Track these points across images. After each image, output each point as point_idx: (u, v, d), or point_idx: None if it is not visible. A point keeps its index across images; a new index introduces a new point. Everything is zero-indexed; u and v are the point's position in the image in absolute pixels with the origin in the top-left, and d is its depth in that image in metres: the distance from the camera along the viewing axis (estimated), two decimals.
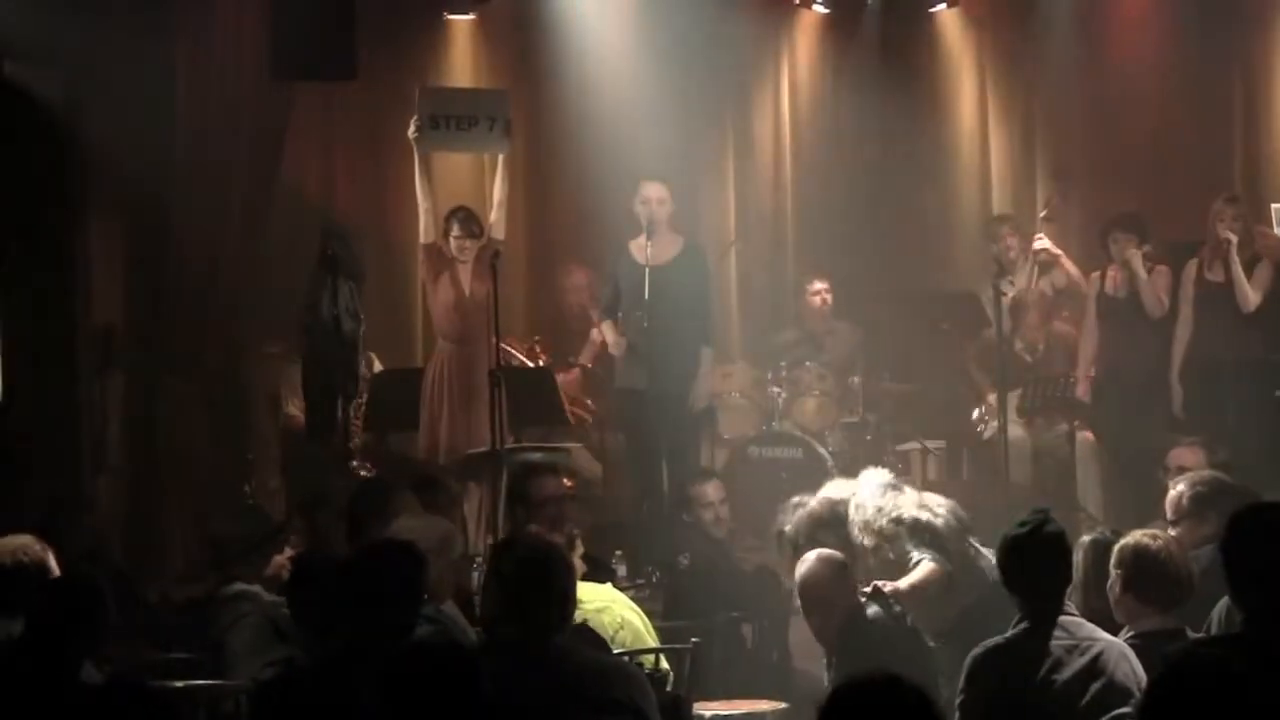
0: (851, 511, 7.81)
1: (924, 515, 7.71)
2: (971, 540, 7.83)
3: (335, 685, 5.43)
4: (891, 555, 7.70)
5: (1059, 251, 12.30)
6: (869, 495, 7.84)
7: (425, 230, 11.02)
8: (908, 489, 8.01)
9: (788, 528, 7.94)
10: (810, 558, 7.41)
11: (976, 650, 5.88)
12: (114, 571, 8.76)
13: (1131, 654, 5.80)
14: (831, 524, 7.83)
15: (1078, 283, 12.04)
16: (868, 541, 7.73)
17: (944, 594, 7.62)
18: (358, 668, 5.38)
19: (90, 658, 6.02)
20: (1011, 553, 5.90)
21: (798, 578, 7.37)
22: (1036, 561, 5.85)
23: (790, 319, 13.05)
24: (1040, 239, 12.35)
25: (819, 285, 12.81)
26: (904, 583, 7.48)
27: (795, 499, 8.05)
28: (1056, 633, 5.77)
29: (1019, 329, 11.96)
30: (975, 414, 12.13)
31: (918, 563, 7.58)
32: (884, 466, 11.21)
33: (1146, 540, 6.22)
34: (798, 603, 7.58)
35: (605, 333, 11.21)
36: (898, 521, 7.71)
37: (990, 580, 7.62)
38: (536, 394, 11.27)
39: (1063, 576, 5.93)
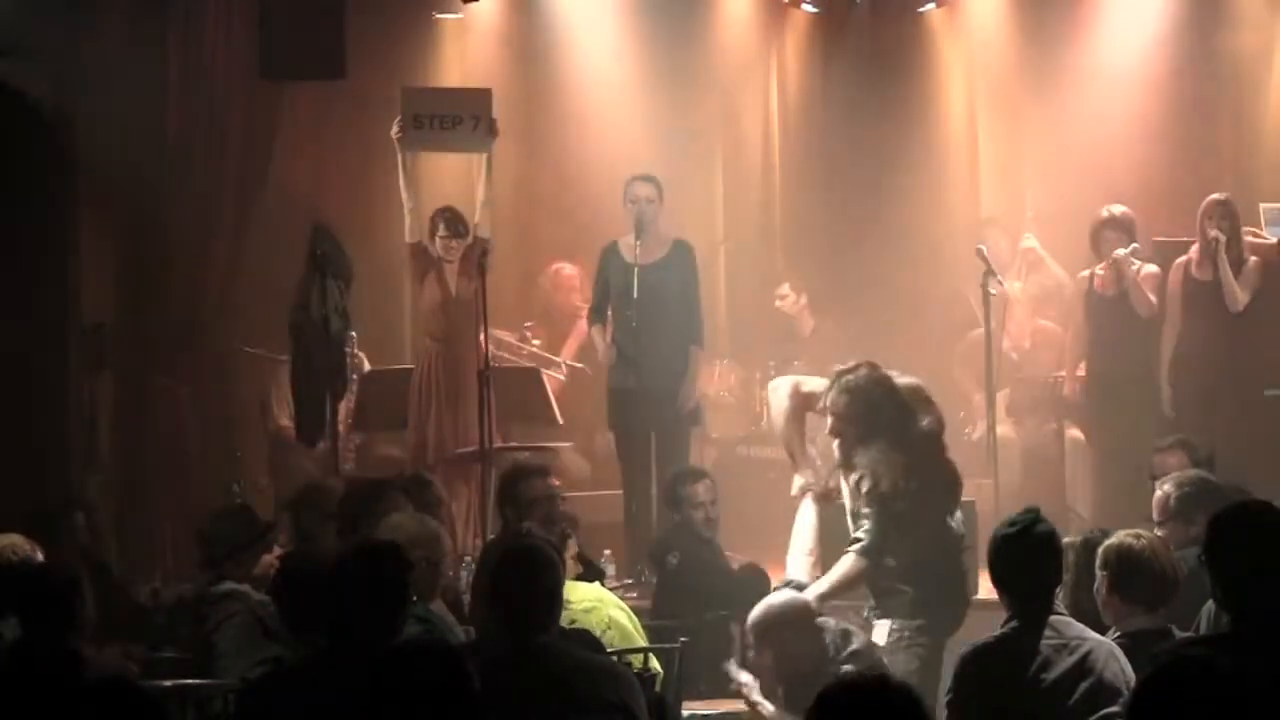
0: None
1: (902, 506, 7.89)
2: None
3: (322, 684, 5.42)
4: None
5: (1044, 253, 12.32)
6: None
7: (410, 230, 11.03)
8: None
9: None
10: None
11: (966, 649, 5.89)
12: (104, 570, 8.78)
13: (1120, 653, 5.81)
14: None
15: (1064, 283, 12.07)
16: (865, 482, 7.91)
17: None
18: (344, 667, 5.38)
19: (67, 646, 6.01)
20: (1001, 552, 5.90)
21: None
22: (1026, 561, 5.85)
23: (773, 321, 13.04)
24: (1028, 239, 12.36)
25: (783, 290, 12.83)
26: (824, 585, 7.77)
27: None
28: (1046, 632, 5.78)
29: (1005, 327, 11.98)
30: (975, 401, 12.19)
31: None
32: None
33: (1130, 540, 6.24)
34: None
35: (594, 338, 11.21)
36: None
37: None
38: (525, 394, 11.28)
39: (1053, 576, 5.93)
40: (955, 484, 8.15)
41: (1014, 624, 5.83)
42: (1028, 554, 5.85)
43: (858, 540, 7.87)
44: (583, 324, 11.82)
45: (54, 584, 6.09)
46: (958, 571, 8.03)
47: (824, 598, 7.71)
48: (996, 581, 5.95)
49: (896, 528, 7.84)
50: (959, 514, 8.18)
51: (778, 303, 12.83)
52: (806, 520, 8.20)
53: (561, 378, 12.11)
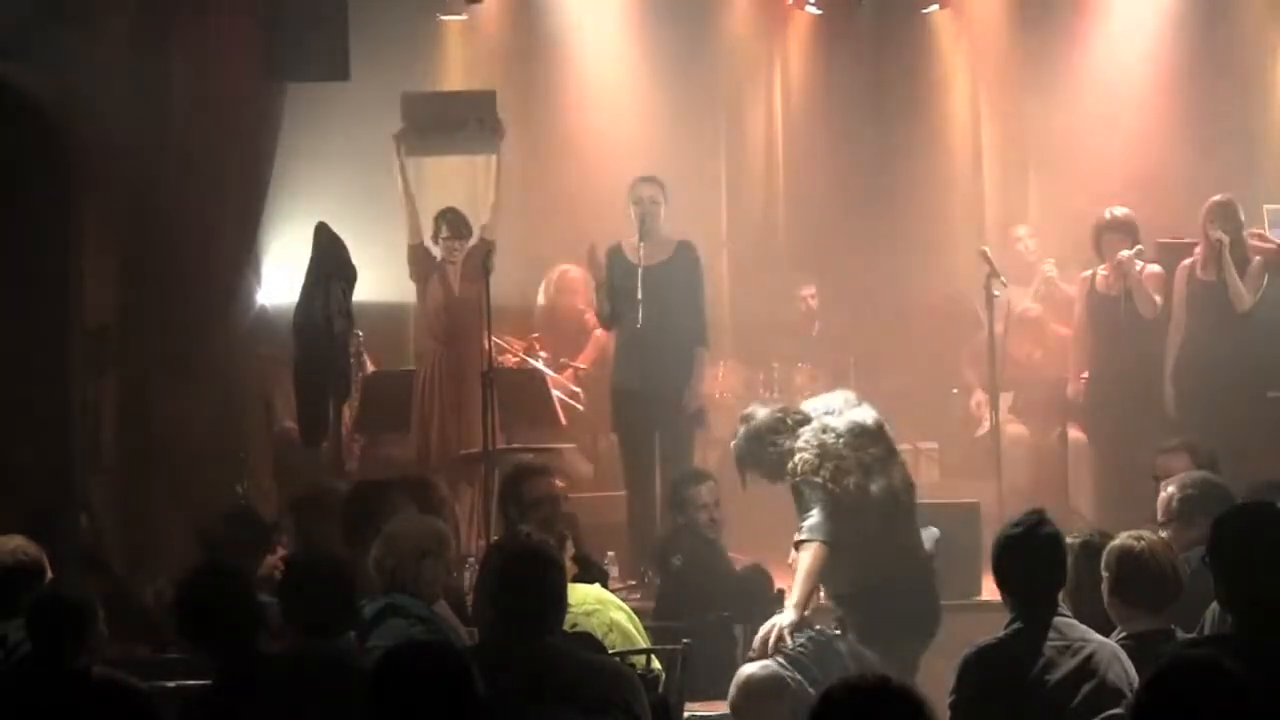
0: (807, 434, 7.84)
1: (854, 480, 7.74)
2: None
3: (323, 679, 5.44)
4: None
5: (1062, 284, 12.25)
6: (830, 433, 7.87)
7: (411, 232, 11.04)
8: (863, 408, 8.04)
9: (733, 442, 8.14)
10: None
11: (969, 650, 5.89)
12: (107, 571, 8.78)
13: (1124, 655, 5.81)
14: (765, 436, 7.93)
15: (1064, 300, 12.03)
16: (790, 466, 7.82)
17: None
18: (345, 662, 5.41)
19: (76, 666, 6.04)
20: (1005, 553, 5.90)
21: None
22: (1030, 562, 5.86)
23: (781, 324, 13.05)
24: (1049, 268, 12.30)
25: (805, 291, 12.82)
26: (795, 593, 7.56)
27: (747, 410, 8.17)
28: (1049, 634, 5.78)
29: (1019, 337, 11.99)
30: (973, 402, 12.16)
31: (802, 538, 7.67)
32: None
33: (1130, 542, 6.24)
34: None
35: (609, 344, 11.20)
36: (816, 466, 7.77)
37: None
38: (528, 395, 11.28)
39: (1056, 578, 5.93)
40: (908, 485, 8.08)
41: (1017, 625, 5.84)
42: (1031, 555, 5.86)
43: (800, 530, 7.65)
44: (601, 333, 11.79)
45: (67, 610, 6.11)
46: (925, 594, 7.94)
47: (800, 604, 7.56)
48: (1000, 583, 5.95)
49: (838, 504, 7.61)
50: (934, 531, 8.11)
51: (803, 305, 12.81)
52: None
53: (577, 387, 12.07)
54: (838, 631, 7.64)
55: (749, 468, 8.05)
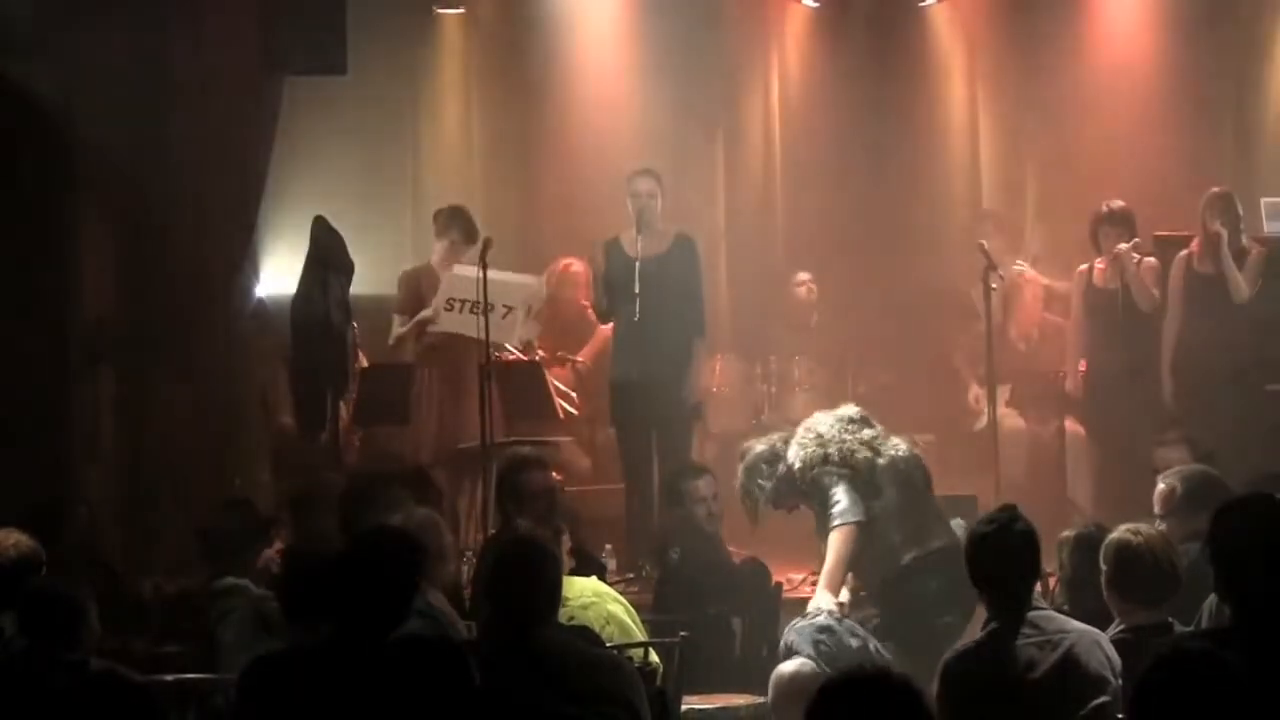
0: (799, 435, 8.09)
1: (862, 454, 7.92)
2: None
3: (326, 671, 5.41)
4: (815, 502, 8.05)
5: (1042, 280, 12.25)
6: (822, 424, 8.06)
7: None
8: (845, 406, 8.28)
9: (735, 482, 8.51)
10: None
11: (948, 655, 5.87)
12: (104, 565, 8.77)
13: (1105, 641, 5.81)
14: (770, 461, 8.13)
15: (1063, 294, 12.02)
16: (797, 466, 7.99)
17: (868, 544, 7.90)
18: (350, 655, 5.37)
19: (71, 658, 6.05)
20: (980, 551, 5.89)
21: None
22: (1003, 559, 5.84)
23: (778, 313, 13.05)
24: (1020, 265, 12.30)
25: (803, 277, 12.84)
26: (825, 574, 7.84)
27: (745, 444, 8.51)
28: (1026, 630, 5.75)
29: (1012, 318, 11.98)
30: (971, 395, 12.17)
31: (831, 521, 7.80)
32: None
33: (1128, 536, 6.23)
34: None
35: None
36: (825, 460, 7.95)
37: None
38: (526, 389, 11.27)
39: (1031, 574, 5.92)
40: (914, 460, 8.26)
41: (994, 625, 5.81)
42: (1006, 553, 5.83)
43: (831, 518, 7.96)
44: (604, 328, 11.78)
45: (58, 606, 6.12)
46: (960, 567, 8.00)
47: (833, 586, 7.71)
48: (975, 580, 5.92)
49: (856, 479, 7.97)
50: (960, 522, 8.18)
51: (795, 289, 12.82)
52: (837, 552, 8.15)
53: (572, 391, 12.07)
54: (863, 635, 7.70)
55: (754, 500, 8.31)
